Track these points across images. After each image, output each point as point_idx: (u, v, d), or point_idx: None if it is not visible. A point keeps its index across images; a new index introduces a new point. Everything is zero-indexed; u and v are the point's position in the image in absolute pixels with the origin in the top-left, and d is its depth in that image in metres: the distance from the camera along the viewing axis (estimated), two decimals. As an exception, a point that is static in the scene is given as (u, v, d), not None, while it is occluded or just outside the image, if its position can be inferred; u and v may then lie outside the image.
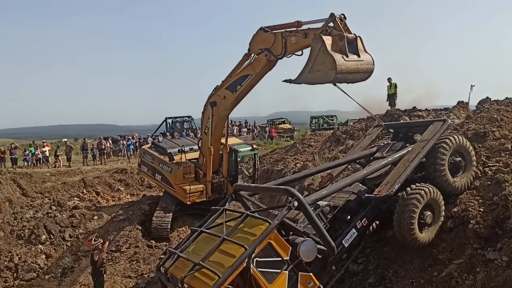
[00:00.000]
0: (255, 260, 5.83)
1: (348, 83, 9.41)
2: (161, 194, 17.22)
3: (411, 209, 7.64)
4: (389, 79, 19.19)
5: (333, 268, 7.43)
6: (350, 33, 9.27)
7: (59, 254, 14.85)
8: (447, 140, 8.48)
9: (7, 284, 13.46)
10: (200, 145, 15.18)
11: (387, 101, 19.30)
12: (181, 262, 6.36)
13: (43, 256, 14.56)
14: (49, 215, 16.35)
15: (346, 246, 7.34)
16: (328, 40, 9.05)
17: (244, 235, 6.12)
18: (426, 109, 16.06)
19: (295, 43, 10.78)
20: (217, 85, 13.55)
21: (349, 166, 11.09)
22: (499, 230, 7.57)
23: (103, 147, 25.82)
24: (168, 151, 16.08)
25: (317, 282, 6.43)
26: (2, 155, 23.23)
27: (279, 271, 6.03)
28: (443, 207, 8.13)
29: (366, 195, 8.02)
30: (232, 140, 16.90)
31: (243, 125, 36.55)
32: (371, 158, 9.61)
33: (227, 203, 7.51)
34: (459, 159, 8.64)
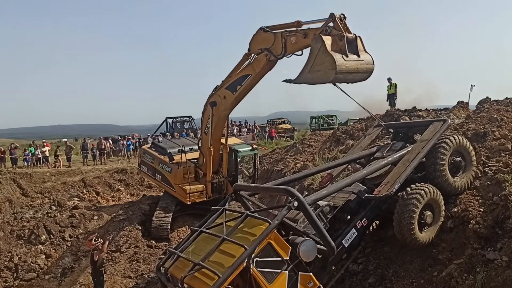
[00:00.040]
0: (255, 260, 5.83)
1: (348, 83, 9.41)
2: (161, 194, 17.22)
3: (411, 209, 7.64)
4: (389, 79, 19.20)
5: (333, 268, 7.43)
6: (350, 33, 9.27)
7: (59, 254, 14.85)
8: (447, 140, 8.48)
9: (7, 284, 13.46)
10: (200, 145, 15.18)
11: (387, 101, 19.30)
12: (181, 262, 6.36)
13: (43, 256, 14.56)
14: (49, 215, 16.35)
15: (346, 246, 7.34)
16: (328, 40, 9.05)
17: (244, 235, 6.12)
18: (426, 109, 16.06)
19: (295, 43, 10.78)
20: (217, 85, 13.55)
21: (349, 166, 11.09)
22: (499, 230, 7.57)
23: (103, 147, 25.82)
24: (168, 151, 16.09)
25: (317, 282, 6.43)
26: (2, 155, 23.24)
27: (279, 271, 6.03)
28: (443, 207, 8.13)
29: (366, 195, 8.02)
30: (232, 140, 16.90)
31: (243, 125, 36.55)
32: (371, 158, 9.61)
33: (227, 203, 7.51)
34: (459, 159, 8.64)
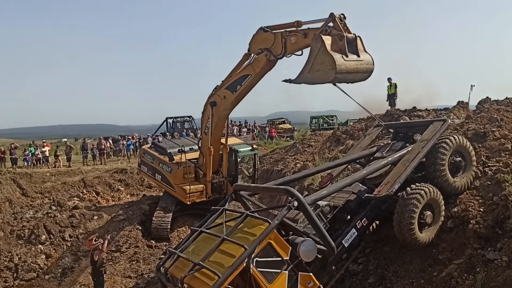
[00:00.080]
0: (255, 260, 5.83)
1: (347, 83, 9.41)
2: (161, 194, 17.22)
3: (411, 209, 7.64)
4: (389, 79, 19.20)
5: (333, 268, 7.42)
6: (349, 33, 9.27)
7: (59, 254, 14.85)
8: (447, 140, 8.48)
9: (7, 284, 13.46)
10: (200, 145, 15.18)
11: (387, 101, 19.30)
12: (181, 262, 6.36)
13: (43, 256, 14.56)
14: (49, 215, 16.35)
15: (346, 246, 7.34)
16: (327, 40, 9.05)
17: (244, 235, 6.12)
18: (426, 109, 16.06)
19: (294, 43, 10.78)
20: (217, 85, 13.54)
21: (349, 166, 11.08)
22: (499, 230, 7.57)
23: (103, 147, 25.82)
24: (168, 151, 16.09)
25: (317, 282, 6.43)
26: (2, 155, 23.24)
27: (279, 271, 6.03)
28: (443, 207, 8.13)
29: (366, 195, 8.02)
30: (232, 140, 16.90)
31: (243, 125, 36.54)
32: (371, 158, 9.61)
33: (227, 203, 7.51)
34: (459, 159, 8.63)
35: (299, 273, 6.25)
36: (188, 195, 15.03)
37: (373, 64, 9.46)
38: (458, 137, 8.72)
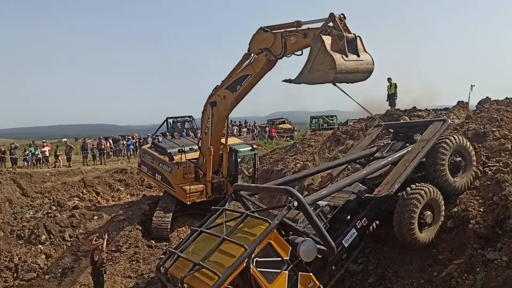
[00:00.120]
0: (255, 260, 5.83)
1: (347, 83, 9.41)
2: (161, 194, 17.22)
3: (411, 209, 7.64)
4: (389, 79, 19.20)
5: (333, 268, 7.42)
6: (349, 33, 9.27)
7: (59, 254, 14.85)
8: (447, 140, 8.48)
9: (7, 284, 13.46)
10: (200, 145, 15.18)
11: (387, 101, 19.30)
12: (181, 262, 6.36)
13: (43, 256, 14.56)
14: (49, 215, 16.34)
15: (346, 246, 7.34)
16: (327, 39, 9.05)
17: (244, 235, 6.12)
18: (426, 109, 16.06)
19: (294, 43, 10.78)
20: (217, 85, 13.54)
21: (349, 166, 11.08)
22: (499, 230, 7.57)
23: (103, 147, 25.82)
24: (168, 151, 16.09)
25: (317, 282, 6.43)
26: (2, 155, 23.24)
27: (279, 271, 6.03)
28: (443, 207, 8.13)
29: (366, 195, 8.02)
30: (232, 140, 16.90)
31: (243, 125, 36.55)
32: (371, 158, 9.61)
33: (227, 203, 7.51)
34: (459, 159, 8.63)
35: (299, 273, 6.25)
36: (188, 195, 15.03)
37: (373, 64, 9.46)
38: (458, 137, 8.72)
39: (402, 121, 14.35)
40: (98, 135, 37.53)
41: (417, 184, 8.03)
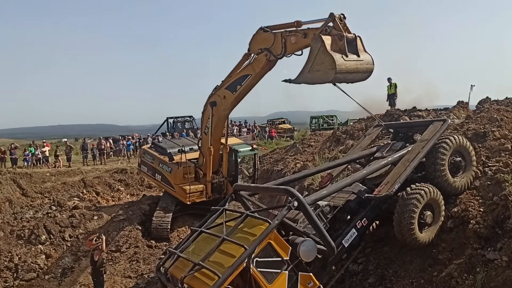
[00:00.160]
0: (255, 260, 5.83)
1: (347, 83, 9.41)
2: (161, 194, 17.22)
3: (411, 209, 7.64)
4: (389, 79, 19.21)
5: (333, 268, 7.42)
6: (349, 33, 9.27)
7: (59, 254, 14.85)
8: (447, 140, 8.48)
9: (7, 284, 13.47)
10: (200, 145, 15.18)
11: (387, 101, 19.31)
12: (181, 262, 6.36)
13: (43, 256, 14.56)
14: (49, 215, 16.34)
15: (346, 246, 7.34)
16: (327, 40, 9.05)
17: (244, 235, 6.12)
18: (426, 109, 16.06)
19: (294, 43, 10.78)
20: (217, 85, 13.54)
21: (349, 166, 11.08)
22: (499, 230, 7.57)
23: (103, 147, 25.82)
24: (168, 151, 16.09)
25: (317, 282, 6.43)
26: (2, 155, 23.24)
27: (279, 271, 6.03)
28: (443, 207, 8.13)
29: (366, 195, 8.02)
30: (232, 140, 16.89)
31: (243, 125, 36.55)
32: (371, 158, 9.61)
33: (227, 203, 7.51)
34: (459, 159, 8.63)
35: (299, 273, 6.25)
36: (188, 195, 15.03)
37: (373, 64, 9.46)
38: (458, 137, 8.72)
39: (402, 121, 14.35)
40: (98, 135, 37.54)
41: (417, 184, 8.03)
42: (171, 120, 31.08)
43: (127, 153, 27.03)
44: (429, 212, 7.89)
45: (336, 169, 9.82)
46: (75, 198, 18.16)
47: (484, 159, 9.37)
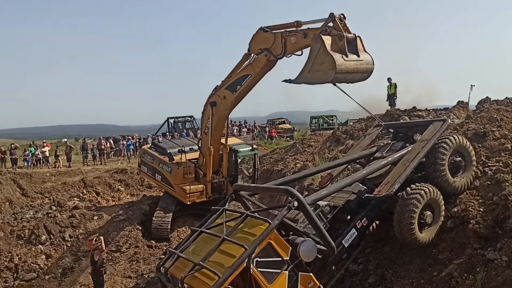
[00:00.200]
0: (255, 260, 5.83)
1: (347, 83, 9.41)
2: (161, 194, 17.22)
3: (411, 209, 7.64)
4: (389, 79, 19.21)
5: (333, 268, 7.42)
6: (349, 33, 9.27)
7: (59, 254, 14.85)
8: (447, 140, 8.48)
9: (7, 284, 13.47)
10: (200, 145, 15.18)
11: (387, 101, 19.32)
12: (181, 262, 6.36)
13: (43, 256, 14.56)
14: (49, 215, 16.35)
15: (346, 246, 7.34)
16: (327, 40, 9.05)
17: (244, 235, 6.12)
18: (426, 109, 16.06)
19: (294, 43, 10.78)
20: (217, 85, 13.54)
21: (349, 166, 11.09)
22: (499, 230, 7.57)
23: (103, 147, 25.83)
24: (168, 151, 16.09)
25: (317, 282, 6.43)
26: (3, 155, 23.25)
27: (279, 271, 6.03)
28: (443, 207, 8.13)
29: (366, 195, 8.02)
30: (232, 140, 16.89)
31: (243, 125, 36.55)
32: (371, 158, 9.61)
33: (227, 203, 7.51)
34: (459, 159, 8.63)
35: (299, 273, 6.25)
36: (188, 195, 15.03)
37: (373, 64, 9.46)
38: (458, 137, 8.72)
39: (402, 121, 14.35)
40: (98, 135, 37.55)
41: (417, 184, 8.03)
42: (171, 120, 31.07)
43: (127, 153, 27.03)
44: (429, 212, 7.89)
45: (336, 169, 9.82)
46: (75, 198, 18.16)
47: (484, 159, 9.37)
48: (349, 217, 7.86)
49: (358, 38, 9.35)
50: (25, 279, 13.73)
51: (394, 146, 9.49)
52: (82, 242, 15.08)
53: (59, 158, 24.25)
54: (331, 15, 9.37)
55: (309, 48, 9.50)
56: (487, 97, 13.75)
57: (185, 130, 29.98)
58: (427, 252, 8.06)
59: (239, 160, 16.31)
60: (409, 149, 8.73)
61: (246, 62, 12.43)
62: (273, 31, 11.46)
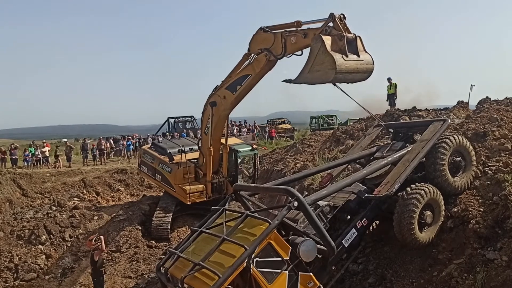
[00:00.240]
0: (255, 260, 5.83)
1: (347, 83, 9.41)
2: (161, 194, 17.23)
3: (411, 209, 7.64)
4: (389, 79, 19.22)
5: (333, 268, 7.43)
6: (349, 33, 9.27)
7: (59, 254, 14.85)
8: (447, 140, 8.48)
9: (7, 284, 13.47)
10: (200, 145, 15.18)
11: (387, 101, 19.32)
12: (181, 262, 6.36)
13: (43, 257, 14.56)
14: (49, 215, 16.35)
15: (346, 246, 7.34)
16: (327, 40, 9.05)
17: (244, 235, 6.12)
18: (426, 109, 16.06)
19: (294, 43, 10.78)
20: (217, 85, 13.55)
21: (349, 166, 11.09)
22: (499, 230, 7.57)
23: (103, 147, 25.83)
24: (168, 151, 16.09)
25: (317, 282, 6.43)
26: (3, 156, 23.26)
27: (279, 271, 6.03)
28: (443, 207, 8.13)
29: (366, 195, 8.02)
30: (232, 140, 16.90)
31: (243, 125, 36.55)
32: (371, 158, 9.61)
33: (227, 203, 7.51)
34: (459, 159, 8.63)
35: (299, 273, 6.25)
36: (188, 195, 15.03)
37: (373, 64, 9.46)
38: (458, 137, 8.72)
39: (402, 121, 14.35)
40: (98, 135, 37.56)
41: (417, 184, 8.03)
42: (172, 120, 31.08)
43: (127, 153, 27.04)
44: (429, 212, 7.89)
45: (336, 169, 9.83)
46: (75, 198, 18.16)
47: (484, 159, 9.37)
48: (349, 217, 7.86)
49: (358, 38, 9.36)
50: (25, 279, 13.73)
51: (394, 146, 9.49)
52: (82, 242, 15.08)
53: (59, 158, 24.25)
54: (331, 15, 9.37)
55: (309, 48, 9.50)
56: (487, 97, 13.76)
57: (185, 130, 30.00)
58: (427, 252, 8.06)
59: (239, 160, 16.31)
60: (409, 149, 8.73)
61: (246, 62, 12.43)
62: (273, 31, 11.46)
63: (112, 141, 29.18)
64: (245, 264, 5.69)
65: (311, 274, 6.40)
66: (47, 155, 24.10)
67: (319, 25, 9.82)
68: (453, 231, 8.10)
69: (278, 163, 18.94)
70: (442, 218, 8.14)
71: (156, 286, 12.38)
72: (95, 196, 18.83)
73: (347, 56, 8.99)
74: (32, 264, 14.16)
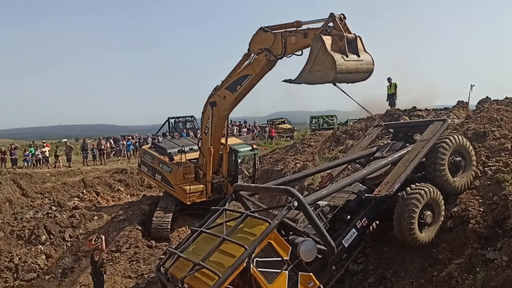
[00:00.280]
0: (255, 260, 5.83)
1: (347, 83, 9.41)
2: (161, 194, 17.23)
3: (411, 209, 7.64)
4: (389, 79, 19.22)
5: (333, 268, 7.42)
6: (349, 33, 9.27)
7: (59, 254, 14.85)
8: (447, 140, 8.48)
9: (7, 284, 13.47)
10: (200, 145, 15.19)
11: (387, 101, 19.32)
12: (181, 262, 6.36)
13: (43, 257, 14.56)
14: (49, 215, 16.35)
15: (346, 246, 7.34)
16: (327, 40, 9.05)
17: (244, 235, 6.12)
18: (426, 109, 16.06)
19: (295, 43, 10.78)
20: (217, 85, 13.55)
21: (349, 166, 11.09)
22: (499, 229, 7.57)
23: (103, 147, 25.84)
24: (168, 151, 16.09)
25: (317, 282, 6.43)
26: (3, 156, 23.26)
27: (279, 271, 6.03)
28: (443, 207, 8.13)
29: (366, 195, 8.02)
30: (232, 140, 16.90)
31: (243, 125, 36.55)
32: (371, 158, 9.61)
33: (227, 203, 7.51)
34: (459, 159, 8.64)
35: (299, 273, 6.25)
36: (188, 195, 15.03)
37: (373, 64, 9.47)
38: (458, 137, 8.72)
39: (402, 121, 14.36)
40: (98, 135, 37.56)
41: (417, 184, 8.03)
42: (172, 120, 31.09)
43: (127, 153, 27.04)
44: (429, 212, 7.89)
45: (336, 169, 9.83)
46: (75, 198, 18.16)
47: (484, 159, 9.37)
48: (349, 217, 7.86)
49: (358, 38, 9.36)
50: (25, 279, 13.73)
51: (394, 146, 9.49)
52: (82, 242, 15.08)
53: (59, 158, 24.25)
54: (331, 15, 9.37)
55: (309, 48, 9.51)
56: (487, 97, 13.76)
57: (185, 130, 30.00)
58: (427, 252, 8.06)
59: (239, 160, 16.31)
60: (409, 149, 8.73)
61: (246, 62, 12.43)
62: (273, 31, 11.46)
63: (112, 141, 29.18)
64: (245, 264, 5.69)
65: (311, 274, 6.40)
66: (47, 155, 24.10)
67: (319, 25, 9.83)
68: (453, 231, 8.10)
69: (278, 163, 18.95)
70: (442, 218, 8.14)
71: (156, 286, 12.38)
72: (95, 196, 18.83)
73: (347, 56, 8.99)
74: (32, 264, 14.16)
